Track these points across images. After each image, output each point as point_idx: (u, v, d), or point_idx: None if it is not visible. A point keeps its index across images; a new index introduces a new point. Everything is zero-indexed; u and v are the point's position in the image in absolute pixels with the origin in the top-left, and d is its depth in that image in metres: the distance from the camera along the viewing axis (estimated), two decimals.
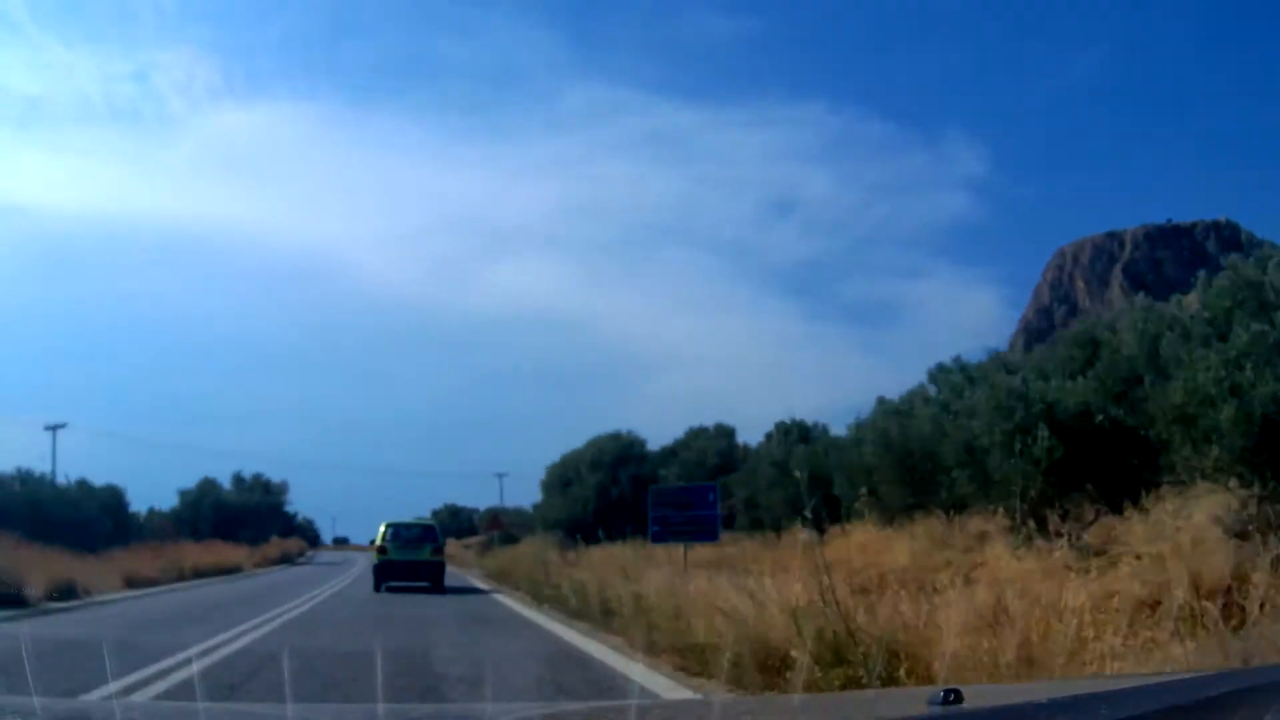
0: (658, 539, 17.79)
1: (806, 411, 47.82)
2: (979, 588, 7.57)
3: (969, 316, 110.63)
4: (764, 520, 24.45)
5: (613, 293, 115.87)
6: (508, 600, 19.74)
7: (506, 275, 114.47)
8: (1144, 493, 10.60)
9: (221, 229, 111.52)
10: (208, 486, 56.04)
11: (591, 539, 22.78)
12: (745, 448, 40.10)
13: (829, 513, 17.97)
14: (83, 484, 39.05)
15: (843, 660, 5.48)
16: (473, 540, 62.66)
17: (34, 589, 17.12)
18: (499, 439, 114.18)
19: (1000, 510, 12.44)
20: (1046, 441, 11.88)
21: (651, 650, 8.54)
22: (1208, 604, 5.38)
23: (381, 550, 21.97)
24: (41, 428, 43.64)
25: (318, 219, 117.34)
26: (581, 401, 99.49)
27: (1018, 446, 12.16)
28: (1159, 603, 6.00)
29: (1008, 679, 4.69)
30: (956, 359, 19.11)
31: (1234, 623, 5.19)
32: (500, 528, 43.22)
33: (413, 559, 22.01)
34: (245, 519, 54.25)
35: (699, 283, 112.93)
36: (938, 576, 9.28)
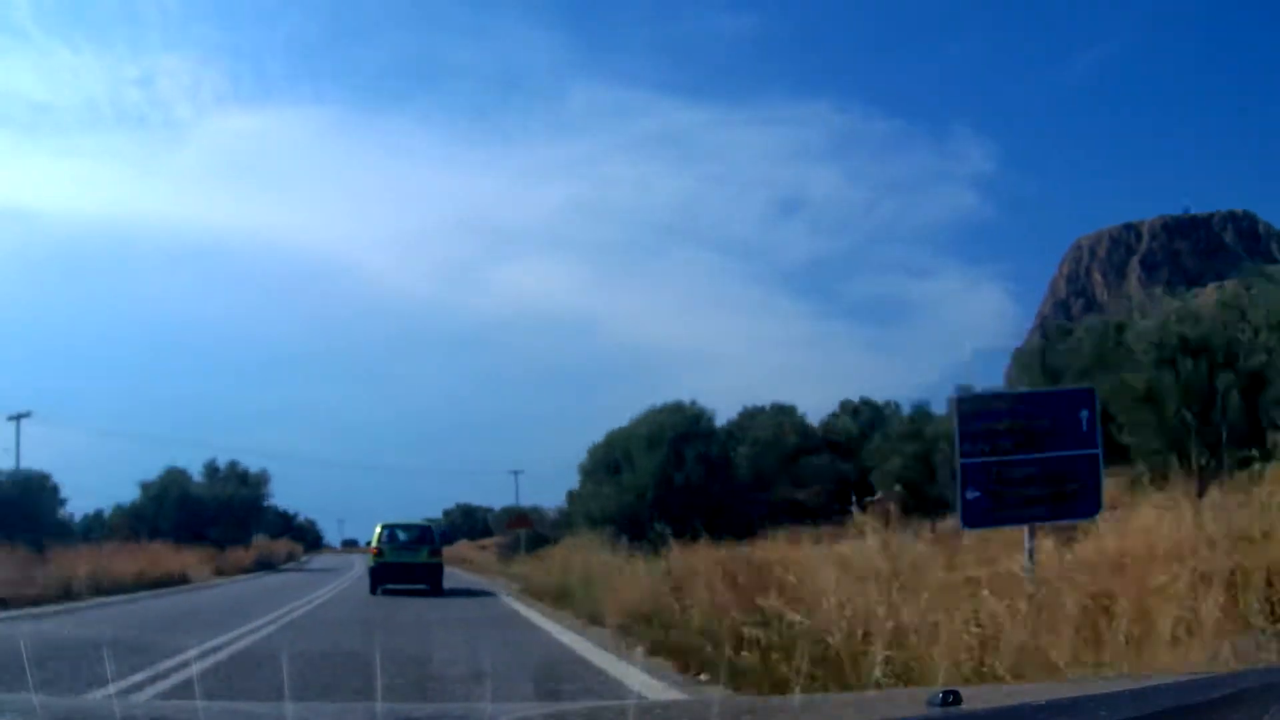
0: (978, 518, 8.14)
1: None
2: None
3: (978, 314, 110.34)
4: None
5: (620, 293, 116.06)
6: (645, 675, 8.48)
7: (514, 276, 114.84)
8: None
9: (229, 232, 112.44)
10: (174, 478, 46.97)
11: (641, 536, 19.82)
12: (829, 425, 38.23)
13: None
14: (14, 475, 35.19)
15: None
16: (489, 541, 58.33)
17: None
18: (508, 440, 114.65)
19: None
20: None
21: None
22: None
23: (377, 552, 21.61)
24: (43, 427, 42.06)
25: (325, 222, 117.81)
26: (590, 401, 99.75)
27: None
28: None
29: None
30: None
31: None
32: (527, 525, 37.28)
33: (409, 561, 21.60)
34: (218, 515, 45.92)
35: (706, 282, 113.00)
36: None
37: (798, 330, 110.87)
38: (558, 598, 16.92)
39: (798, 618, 7.10)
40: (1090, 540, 8.52)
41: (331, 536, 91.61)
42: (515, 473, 69.80)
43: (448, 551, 46.12)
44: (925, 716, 2.11)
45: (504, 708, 3.62)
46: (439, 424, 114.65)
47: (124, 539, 32.76)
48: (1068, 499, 8.12)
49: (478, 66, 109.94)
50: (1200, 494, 11.27)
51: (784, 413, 36.85)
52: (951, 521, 13.02)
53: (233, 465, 51.89)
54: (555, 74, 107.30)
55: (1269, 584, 5.49)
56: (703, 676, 7.37)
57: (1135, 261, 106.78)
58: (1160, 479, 15.33)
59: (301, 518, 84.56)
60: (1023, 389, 17.13)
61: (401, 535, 22.49)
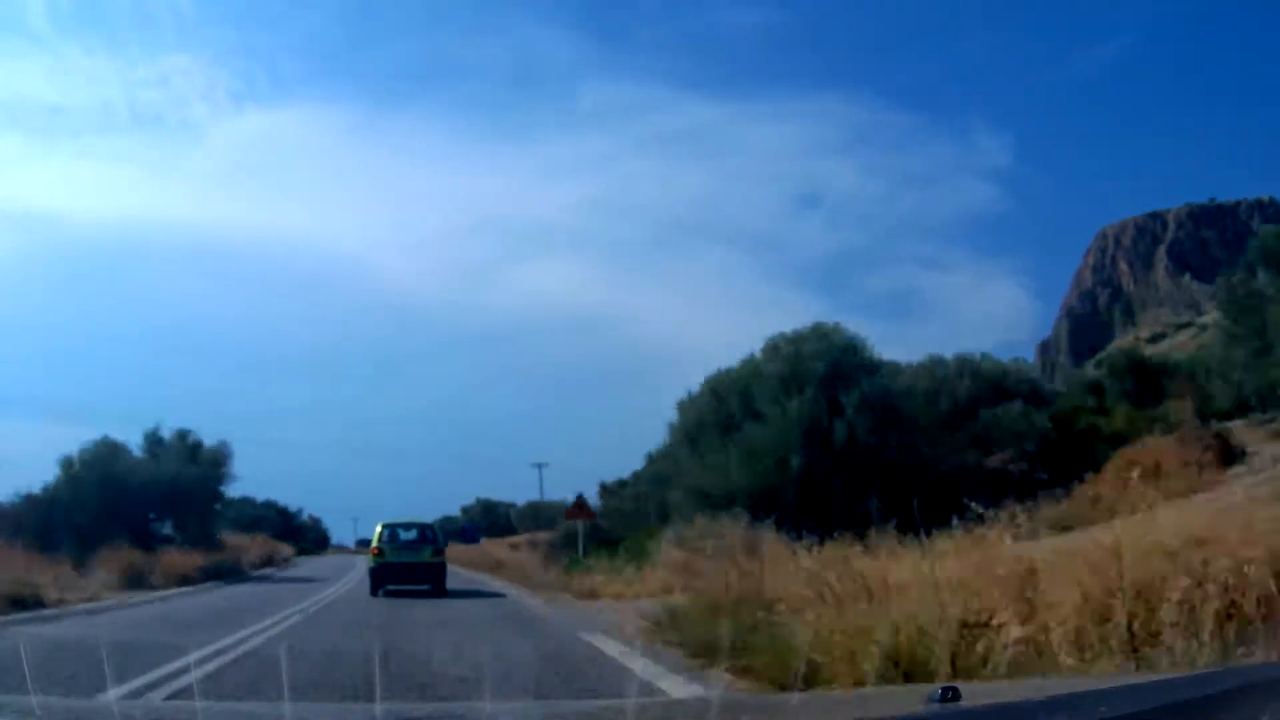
0: None
1: None
2: None
3: (997, 306, 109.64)
4: None
5: (637, 290, 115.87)
6: None
7: (530, 274, 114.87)
8: None
9: (245, 233, 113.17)
10: (103, 454, 33.23)
11: (789, 523, 13.84)
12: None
13: None
14: None
15: None
16: (517, 539, 51.03)
17: None
18: (524, 439, 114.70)
19: None
20: None
21: None
22: None
23: (378, 552, 21.02)
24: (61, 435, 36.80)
25: (341, 222, 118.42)
26: (609, 399, 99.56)
27: None
28: None
29: None
30: None
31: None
32: (589, 516, 27.45)
33: (411, 561, 21.02)
34: (170, 503, 33.66)
35: (724, 278, 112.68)
36: None
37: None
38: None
39: None
40: None
41: (345, 535, 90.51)
42: (539, 466, 65.45)
43: (471, 554, 41.75)
44: (925, 713, 2.10)
45: (503, 707, 3.62)
46: (456, 422, 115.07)
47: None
48: None
49: (493, 65, 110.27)
50: None
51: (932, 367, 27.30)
52: None
53: (183, 436, 36.10)
54: (570, 72, 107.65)
55: None
56: None
57: (1162, 251, 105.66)
58: None
59: (305, 515, 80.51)
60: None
61: (403, 535, 21.95)
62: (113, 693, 6.58)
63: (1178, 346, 64.77)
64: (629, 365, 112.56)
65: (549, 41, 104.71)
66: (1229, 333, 24.69)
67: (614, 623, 12.22)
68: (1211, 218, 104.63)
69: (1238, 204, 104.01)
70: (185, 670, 7.82)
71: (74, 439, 36.90)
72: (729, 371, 23.76)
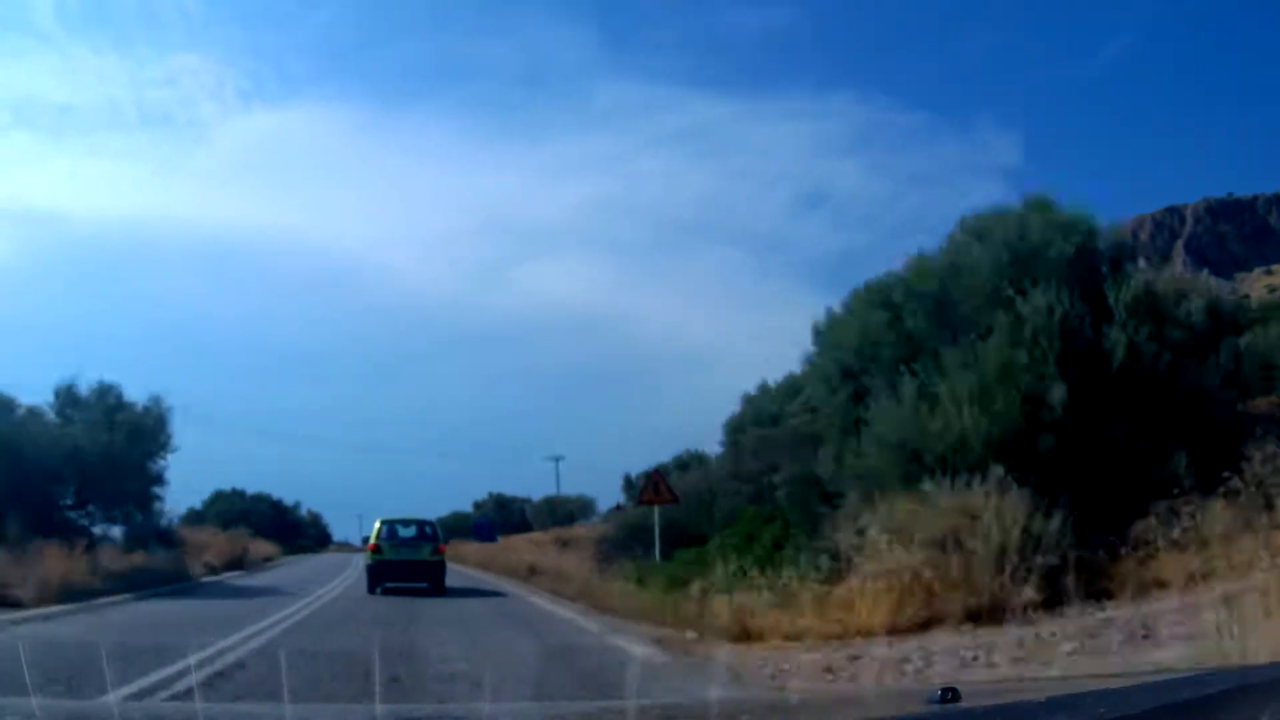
0: None
1: None
2: None
3: None
4: None
5: (645, 290, 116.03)
6: None
7: (538, 273, 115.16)
8: None
9: (254, 232, 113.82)
10: None
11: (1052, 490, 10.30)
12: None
13: None
14: None
15: None
16: (541, 536, 45.47)
17: None
18: (533, 438, 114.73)
19: None
20: None
21: None
22: None
23: (376, 549, 20.68)
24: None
25: (349, 221, 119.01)
26: (616, 399, 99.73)
27: None
28: None
29: None
30: None
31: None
32: (669, 499, 20.07)
33: (410, 559, 20.68)
34: (88, 479, 24.48)
35: (731, 278, 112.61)
36: None
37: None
38: None
39: None
40: None
41: (351, 533, 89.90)
42: (555, 459, 61.47)
43: (491, 554, 38.20)
44: (925, 713, 2.10)
45: (502, 708, 3.59)
46: (465, 419, 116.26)
47: None
48: None
49: (502, 64, 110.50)
50: None
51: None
52: None
53: (104, 393, 26.15)
54: (580, 70, 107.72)
55: None
56: None
57: (1179, 245, 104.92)
58: None
59: (304, 510, 76.06)
60: None
61: (402, 531, 21.56)
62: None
63: None
64: (637, 363, 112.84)
65: (557, 41, 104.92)
66: None
67: None
68: (1229, 212, 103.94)
69: (1255, 198, 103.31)
70: None
71: None
72: (895, 276, 15.10)
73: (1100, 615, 8.58)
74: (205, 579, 25.85)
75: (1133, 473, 10.77)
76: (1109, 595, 9.15)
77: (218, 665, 8.72)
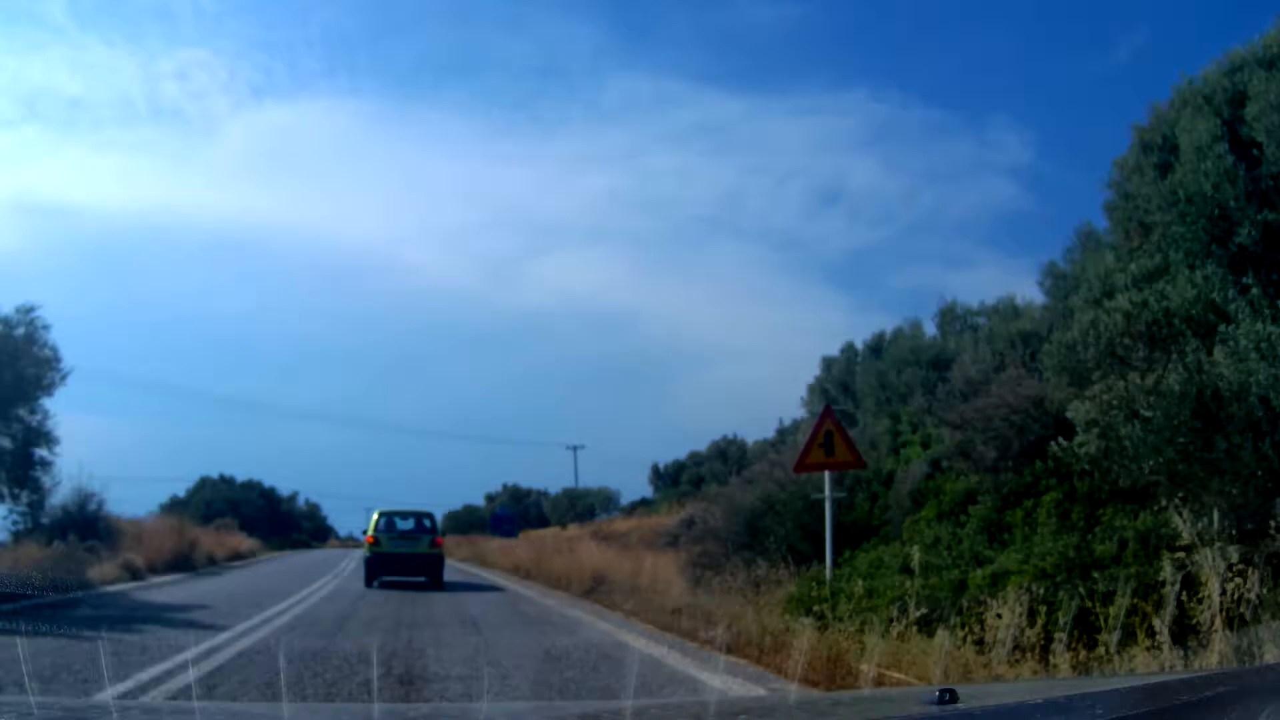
0: None
1: None
2: None
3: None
4: None
5: (660, 285, 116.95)
6: None
7: (552, 270, 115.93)
8: None
9: (267, 226, 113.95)
10: None
11: None
12: None
13: None
14: None
15: None
16: (576, 529, 40.72)
17: None
18: (546, 428, 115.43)
19: None
20: None
21: None
22: None
23: (374, 542, 20.26)
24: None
25: (363, 215, 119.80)
26: (629, 395, 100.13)
27: None
28: None
29: None
30: None
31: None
32: (850, 464, 12.16)
33: (408, 551, 20.32)
34: None
35: (746, 274, 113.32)
36: None
37: (839, 322, 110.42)
38: None
39: None
40: None
41: (358, 527, 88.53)
42: (574, 448, 56.98)
43: (519, 555, 26.88)
44: (923, 714, 2.09)
45: (500, 706, 3.58)
46: (475, 414, 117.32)
47: None
48: None
49: (516, 58, 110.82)
50: None
51: None
52: None
53: None
54: (594, 65, 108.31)
55: None
56: None
57: None
58: None
59: (301, 500, 70.43)
60: None
61: (400, 524, 21.30)
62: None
63: None
64: (652, 358, 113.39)
65: (572, 35, 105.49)
66: None
67: None
68: None
69: None
70: None
71: (84, 432, 32.11)
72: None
73: None
74: (113, 587, 17.71)
75: None
76: None
77: None
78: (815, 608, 9.62)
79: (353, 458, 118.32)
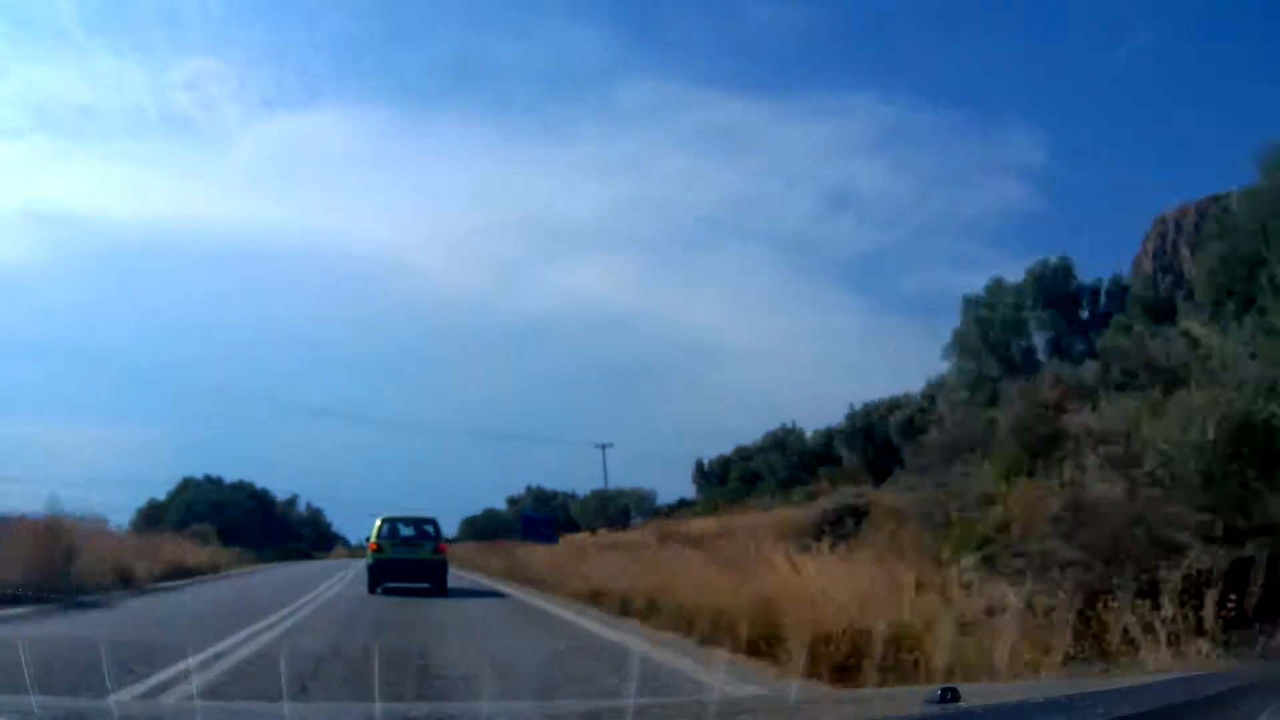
0: None
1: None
2: None
3: None
4: None
5: (670, 289, 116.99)
6: None
7: (564, 274, 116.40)
8: None
9: (278, 235, 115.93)
10: None
11: None
12: None
13: None
14: None
15: None
16: (627, 535, 35.34)
17: None
18: (563, 434, 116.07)
19: None
20: None
21: None
22: None
23: (377, 548, 20.35)
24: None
25: (374, 222, 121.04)
26: (641, 399, 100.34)
27: None
28: None
29: None
30: None
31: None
32: None
33: (411, 558, 20.36)
34: None
35: (757, 278, 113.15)
36: None
37: (851, 325, 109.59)
38: None
39: None
40: None
41: (360, 536, 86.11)
42: (602, 446, 50.91)
43: (629, 574, 24.01)
44: (924, 714, 2.10)
45: (501, 706, 3.58)
46: (493, 419, 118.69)
47: None
48: None
49: (526, 63, 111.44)
50: None
51: None
52: None
53: None
54: (604, 70, 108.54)
55: None
56: None
57: None
58: None
59: (302, 506, 65.02)
60: None
61: (403, 530, 21.36)
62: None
63: None
64: (660, 365, 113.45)
65: (582, 40, 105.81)
66: None
67: None
68: None
69: None
70: None
71: (87, 434, 31.87)
72: None
73: None
74: None
75: None
76: None
77: None
78: None
79: (365, 464, 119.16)
